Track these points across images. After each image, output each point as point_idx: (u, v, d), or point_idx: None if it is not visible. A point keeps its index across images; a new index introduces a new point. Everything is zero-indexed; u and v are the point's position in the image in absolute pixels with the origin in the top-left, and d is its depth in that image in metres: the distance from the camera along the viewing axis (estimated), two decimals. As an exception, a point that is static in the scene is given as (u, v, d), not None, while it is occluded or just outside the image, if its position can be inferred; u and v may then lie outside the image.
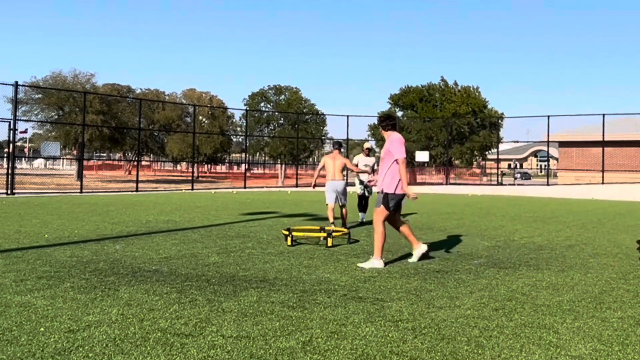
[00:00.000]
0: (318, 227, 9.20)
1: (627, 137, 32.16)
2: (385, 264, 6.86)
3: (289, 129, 43.21)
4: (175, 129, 45.73)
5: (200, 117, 48.68)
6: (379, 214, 6.99)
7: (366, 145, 12.63)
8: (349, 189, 11.28)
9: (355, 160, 12.35)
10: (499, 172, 34.33)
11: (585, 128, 33.16)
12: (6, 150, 24.15)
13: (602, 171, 26.39)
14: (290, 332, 4.11)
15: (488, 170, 44.84)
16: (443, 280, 5.98)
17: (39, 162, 74.06)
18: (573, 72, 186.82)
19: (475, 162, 44.88)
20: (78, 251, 7.38)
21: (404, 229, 7.21)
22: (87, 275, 5.88)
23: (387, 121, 7.21)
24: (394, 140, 6.98)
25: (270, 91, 47.63)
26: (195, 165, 40.22)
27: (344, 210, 10.71)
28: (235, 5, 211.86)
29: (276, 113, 45.00)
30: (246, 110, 38.30)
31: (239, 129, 51.50)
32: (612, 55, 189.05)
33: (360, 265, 6.76)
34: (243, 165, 39.47)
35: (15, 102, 20.84)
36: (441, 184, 31.41)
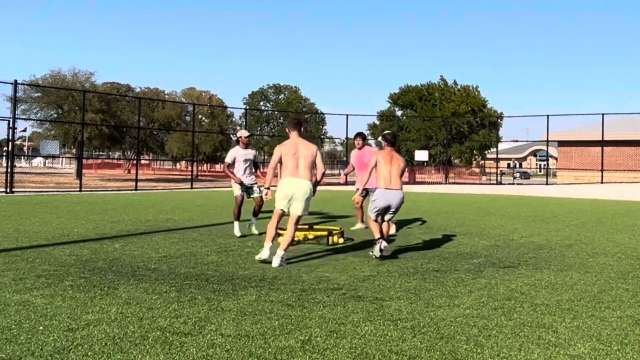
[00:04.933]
0: (306, 226, 9.18)
1: (626, 137, 32.15)
2: (384, 263, 6.88)
3: (288, 128, 43.17)
4: (174, 127, 45.70)
5: (200, 116, 48.63)
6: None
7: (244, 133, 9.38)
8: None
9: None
10: (498, 172, 34.33)
11: (584, 128, 33.14)
12: (5, 148, 24.14)
13: (602, 171, 26.38)
14: (289, 331, 4.11)
15: (487, 170, 44.82)
16: (442, 280, 5.98)
17: (38, 161, 73.92)
18: (572, 72, 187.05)
19: (474, 162, 44.91)
20: (77, 250, 7.38)
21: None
22: (86, 273, 5.88)
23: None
24: None
25: (269, 90, 47.65)
26: (195, 164, 40.17)
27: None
28: (235, 4, 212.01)
29: (276, 112, 45.00)
30: (246, 109, 38.30)
31: (238, 127, 51.50)
32: (611, 55, 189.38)
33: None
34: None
35: (15, 101, 20.80)
36: (440, 183, 31.40)
